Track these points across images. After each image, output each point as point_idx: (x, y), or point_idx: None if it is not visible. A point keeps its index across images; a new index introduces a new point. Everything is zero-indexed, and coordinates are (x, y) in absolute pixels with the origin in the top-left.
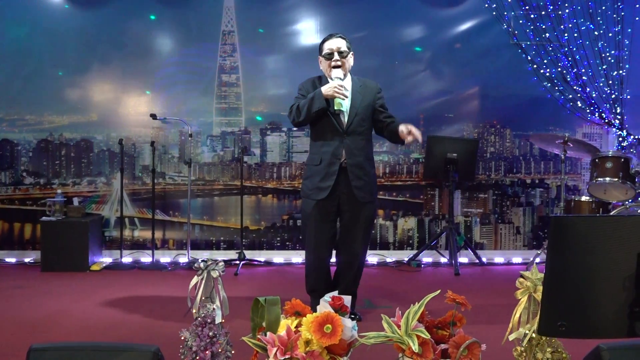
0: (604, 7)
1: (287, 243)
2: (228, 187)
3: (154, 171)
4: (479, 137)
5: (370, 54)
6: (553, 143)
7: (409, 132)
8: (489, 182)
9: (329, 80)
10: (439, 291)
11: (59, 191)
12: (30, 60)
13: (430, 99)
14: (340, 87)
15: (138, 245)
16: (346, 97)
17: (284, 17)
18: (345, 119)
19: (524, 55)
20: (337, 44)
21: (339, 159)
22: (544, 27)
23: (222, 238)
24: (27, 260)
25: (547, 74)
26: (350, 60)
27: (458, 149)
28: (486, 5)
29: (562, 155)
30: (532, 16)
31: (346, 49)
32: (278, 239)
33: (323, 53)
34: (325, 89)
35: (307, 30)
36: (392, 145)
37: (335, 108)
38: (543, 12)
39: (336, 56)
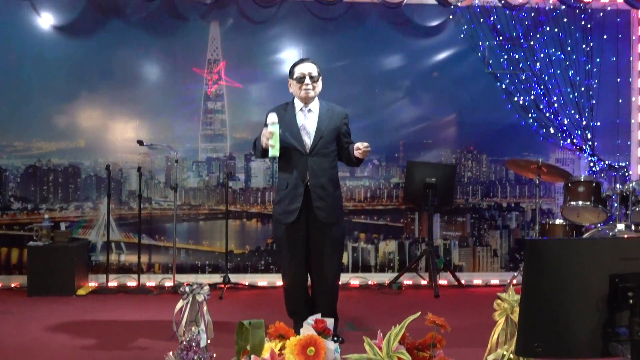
0: (574, 38)
1: (271, 266)
2: (213, 211)
3: (141, 196)
4: (457, 162)
5: (351, 82)
6: (527, 168)
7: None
8: (467, 206)
9: (297, 103)
10: (419, 313)
11: (46, 216)
12: (20, 87)
13: (410, 126)
14: (270, 133)
15: (124, 269)
16: (272, 145)
17: (268, 46)
18: (310, 140)
19: (498, 84)
20: (309, 68)
21: (304, 180)
22: (517, 56)
23: (207, 262)
24: (13, 285)
25: (521, 102)
26: (319, 85)
27: (437, 174)
28: (462, 36)
29: (537, 180)
30: (506, 46)
31: (317, 74)
32: (262, 262)
33: (294, 76)
34: (261, 137)
35: (291, 59)
36: (373, 172)
37: (270, 155)
38: (516, 43)
39: (307, 80)
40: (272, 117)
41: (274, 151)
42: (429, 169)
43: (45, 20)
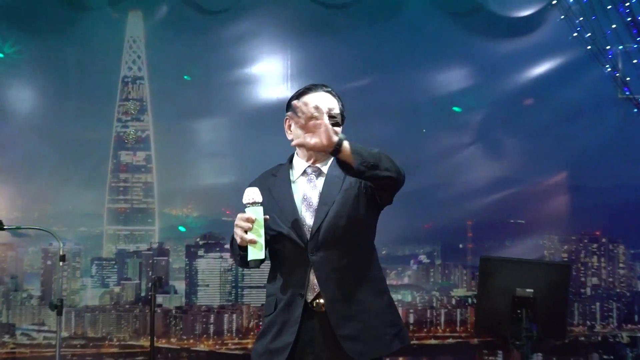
0: None
1: None
2: (128, 349)
3: None
4: (572, 259)
5: (377, 115)
6: None
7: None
8: (593, 340)
9: (298, 162)
10: None
11: None
12: None
13: (484, 194)
14: (245, 221)
15: None
16: (252, 241)
17: (229, 53)
18: (310, 221)
19: None
20: (327, 101)
21: (302, 294)
22: None
23: None
24: None
25: None
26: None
27: (536, 280)
28: (575, 34)
29: None
30: None
31: (339, 112)
32: None
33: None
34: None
35: (270, 75)
36: (419, 277)
37: (249, 258)
38: None
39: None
40: (251, 194)
41: (256, 251)
42: (520, 272)
43: None
